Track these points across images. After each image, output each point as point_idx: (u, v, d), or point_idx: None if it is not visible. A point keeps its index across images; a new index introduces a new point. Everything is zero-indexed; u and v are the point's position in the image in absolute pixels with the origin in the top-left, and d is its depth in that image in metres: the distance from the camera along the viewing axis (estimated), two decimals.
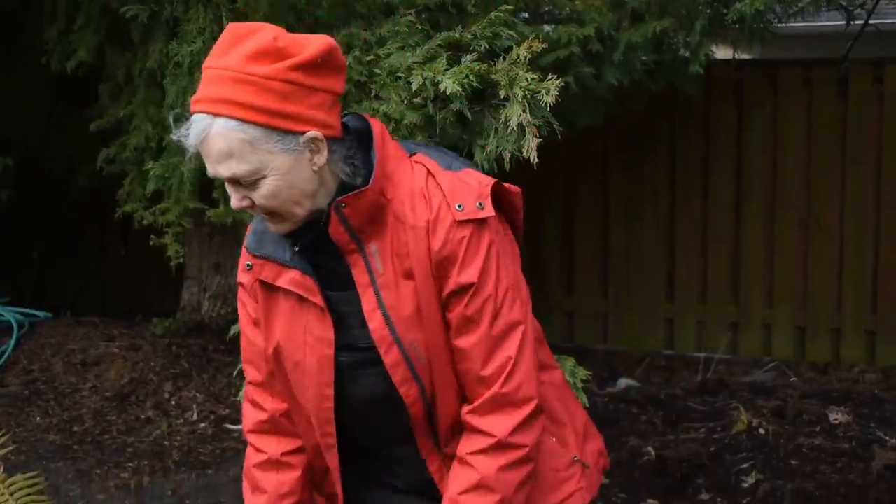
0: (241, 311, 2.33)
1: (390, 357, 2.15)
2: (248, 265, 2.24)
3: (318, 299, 2.16)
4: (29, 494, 3.05)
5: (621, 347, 7.05)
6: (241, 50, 2.01)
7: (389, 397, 2.17)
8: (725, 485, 4.88)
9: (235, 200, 2.07)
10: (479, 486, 2.12)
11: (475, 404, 2.14)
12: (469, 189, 2.11)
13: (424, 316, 2.12)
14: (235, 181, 2.05)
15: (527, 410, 2.13)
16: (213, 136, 2.01)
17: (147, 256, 5.18)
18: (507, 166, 3.56)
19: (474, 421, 2.14)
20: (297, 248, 2.16)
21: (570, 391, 2.47)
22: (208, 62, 2.04)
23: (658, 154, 7.02)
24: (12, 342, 7.28)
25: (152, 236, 5.37)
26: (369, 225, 2.11)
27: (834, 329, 6.70)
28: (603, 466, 2.46)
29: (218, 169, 2.04)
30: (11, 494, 2.99)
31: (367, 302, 2.14)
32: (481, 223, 2.10)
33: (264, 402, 2.32)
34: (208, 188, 4.90)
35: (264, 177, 2.03)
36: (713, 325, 6.91)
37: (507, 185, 2.21)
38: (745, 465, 5.02)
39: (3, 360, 7.15)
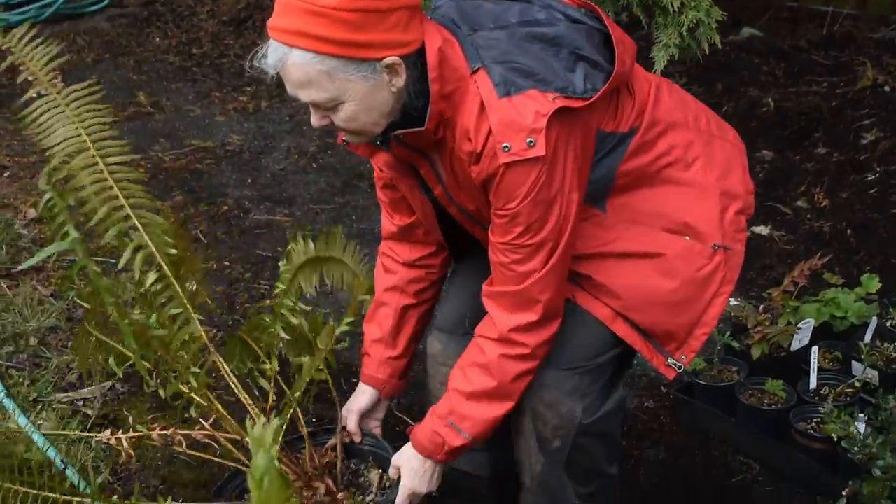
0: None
1: (476, 232, 2.40)
2: (344, 140, 2.33)
3: (410, 180, 2.37)
4: (86, 104, 2.72)
5: None
6: None
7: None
8: (844, 140, 4.81)
9: (315, 120, 2.15)
10: (482, 367, 2.31)
11: (493, 287, 2.30)
12: (521, 125, 2.08)
13: (486, 210, 2.26)
14: (316, 105, 2.11)
15: (532, 316, 2.25)
16: (290, 66, 2.04)
17: None
18: None
19: (488, 304, 2.31)
20: (378, 142, 2.29)
21: (713, 142, 2.44)
22: None
23: None
24: None
25: None
26: (428, 146, 2.22)
27: None
28: (747, 218, 2.45)
29: (298, 93, 2.09)
30: (67, 105, 2.72)
31: (440, 196, 2.34)
32: (530, 160, 2.09)
33: (393, 216, 2.60)
34: None
35: (343, 102, 2.08)
36: None
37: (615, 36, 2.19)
38: (866, 122, 4.92)
39: None
